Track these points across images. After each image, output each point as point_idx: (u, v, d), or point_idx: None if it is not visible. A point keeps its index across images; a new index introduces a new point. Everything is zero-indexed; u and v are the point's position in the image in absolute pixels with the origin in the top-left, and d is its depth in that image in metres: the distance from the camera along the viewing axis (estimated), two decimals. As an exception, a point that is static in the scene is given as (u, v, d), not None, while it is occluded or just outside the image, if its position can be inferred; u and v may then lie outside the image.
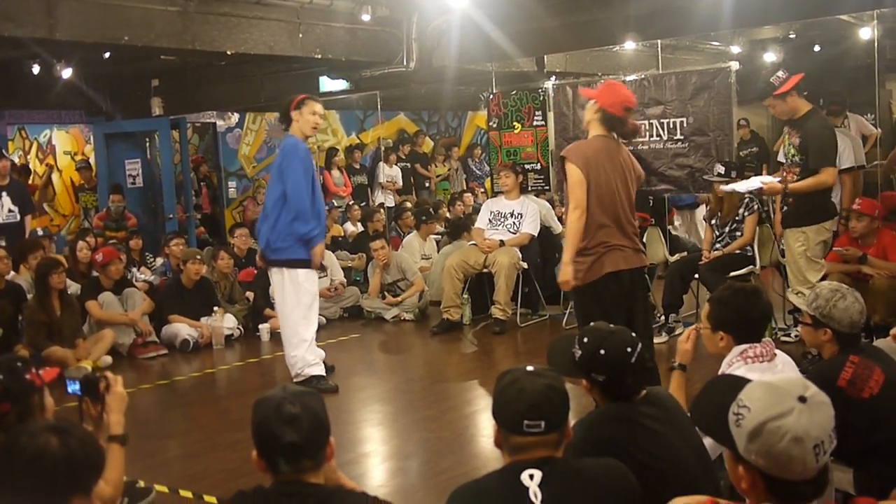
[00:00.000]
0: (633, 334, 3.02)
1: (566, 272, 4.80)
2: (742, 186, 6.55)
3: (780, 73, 6.03)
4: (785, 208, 6.21)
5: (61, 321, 7.50)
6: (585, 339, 2.97)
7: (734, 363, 3.36)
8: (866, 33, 10.37)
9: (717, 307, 3.47)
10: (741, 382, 2.23)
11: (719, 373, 3.30)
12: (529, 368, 2.51)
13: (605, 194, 4.79)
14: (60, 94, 11.22)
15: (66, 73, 10.15)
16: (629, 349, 2.93)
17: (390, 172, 14.46)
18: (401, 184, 14.58)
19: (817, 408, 1.97)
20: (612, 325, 3.05)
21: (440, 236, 10.53)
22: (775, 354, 3.40)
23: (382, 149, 14.99)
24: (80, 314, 7.82)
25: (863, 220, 6.61)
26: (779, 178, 6.28)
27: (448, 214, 12.05)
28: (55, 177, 13.52)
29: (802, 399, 1.96)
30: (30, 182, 12.21)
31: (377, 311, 9.22)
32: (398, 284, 9.34)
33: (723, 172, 7.42)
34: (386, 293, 9.31)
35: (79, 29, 7.78)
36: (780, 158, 7.62)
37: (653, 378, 4.83)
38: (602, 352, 2.91)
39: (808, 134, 5.99)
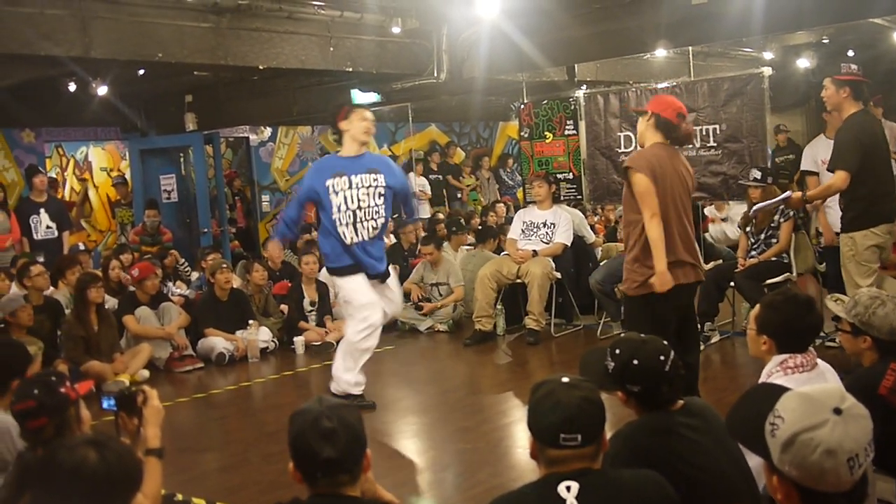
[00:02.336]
0: (666, 342, 2.99)
1: (665, 280, 4.72)
2: (768, 204, 6.57)
3: (853, 66, 6.00)
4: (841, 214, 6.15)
5: (99, 335, 7.58)
6: (617, 351, 2.94)
7: (774, 373, 3.31)
8: (901, 36, 10.26)
9: (766, 311, 3.40)
10: (779, 391, 2.20)
11: (759, 382, 3.25)
12: (565, 380, 2.48)
13: (668, 202, 4.79)
14: (96, 111, 11.37)
15: (102, 90, 10.28)
16: (662, 357, 2.89)
17: (420, 182, 14.50)
18: (429, 193, 14.59)
19: (853, 420, 1.93)
20: (643, 335, 3.02)
21: (472, 247, 10.53)
22: (816, 364, 3.35)
23: (413, 160, 15.03)
24: (117, 328, 7.89)
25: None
26: None
27: (480, 226, 12.04)
28: (92, 193, 13.69)
29: (838, 411, 1.93)
30: (60, 195, 12.36)
31: (411, 322, 9.22)
32: (440, 287, 9.34)
33: (759, 178, 7.37)
34: (424, 293, 9.34)
35: (113, 47, 7.88)
36: (805, 167, 7.54)
37: (692, 387, 4.83)
38: (635, 362, 2.88)
39: (839, 132, 5.96)
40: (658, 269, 4.71)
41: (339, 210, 6.03)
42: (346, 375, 6.20)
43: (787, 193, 6.39)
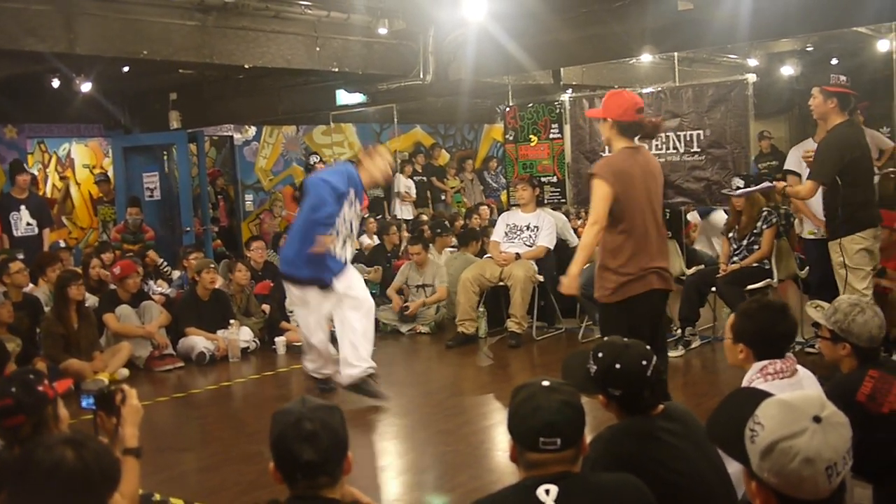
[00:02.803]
0: (648, 347, 3.00)
1: (571, 285, 4.81)
2: (753, 190, 6.58)
3: (842, 77, 6.03)
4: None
5: (79, 333, 7.53)
6: (600, 354, 2.95)
7: (754, 380, 3.33)
8: (884, 45, 10.34)
9: (741, 319, 3.42)
10: (760, 396, 2.21)
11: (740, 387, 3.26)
12: (545, 383, 2.49)
13: (636, 211, 4.77)
14: (79, 107, 11.30)
15: (86, 87, 10.22)
16: (644, 362, 2.90)
17: (407, 183, 14.49)
18: (414, 195, 14.60)
19: (832, 428, 1.94)
20: (626, 339, 3.03)
21: (455, 249, 10.54)
22: (796, 370, 3.37)
23: (399, 161, 15.03)
24: (97, 327, 7.85)
25: (882, 233, 6.56)
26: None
27: (462, 228, 12.05)
28: (74, 190, 13.61)
29: (817, 419, 1.94)
30: (41, 192, 12.28)
31: (393, 324, 9.21)
32: (426, 288, 9.33)
33: (742, 186, 7.39)
34: (405, 297, 9.35)
35: (98, 43, 7.84)
36: (788, 166, 7.59)
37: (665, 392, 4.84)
38: (618, 366, 2.89)
39: (820, 143, 6.01)
40: (570, 272, 4.83)
41: (341, 219, 6.14)
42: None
43: (772, 184, 6.39)
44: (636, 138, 4.92)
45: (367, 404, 6.46)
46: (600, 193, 4.72)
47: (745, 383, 3.36)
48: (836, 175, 5.80)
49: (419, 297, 9.30)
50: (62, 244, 11.72)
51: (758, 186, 6.54)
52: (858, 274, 5.87)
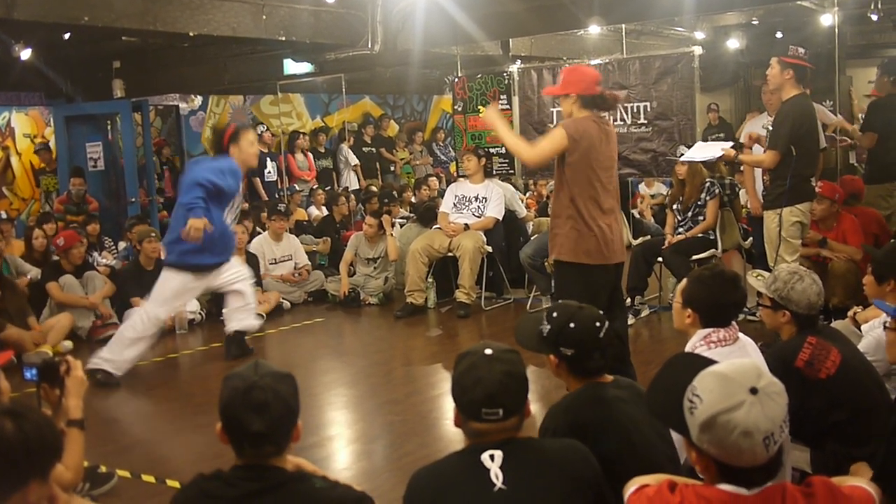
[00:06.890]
0: (601, 312, 3.05)
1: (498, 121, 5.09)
2: (699, 154, 6.59)
3: (800, 49, 6.09)
4: (764, 192, 6.27)
5: (4, 302, 7.33)
6: (555, 314, 3.00)
7: (697, 346, 3.38)
8: (827, 19, 10.47)
9: (693, 285, 3.47)
10: (696, 364, 2.25)
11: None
12: (487, 351, 2.50)
13: (601, 170, 4.86)
14: (19, 75, 11.00)
15: (25, 54, 9.94)
16: (598, 324, 2.96)
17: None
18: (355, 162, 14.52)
19: (769, 399, 1.99)
20: (580, 303, 3.07)
21: (405, 220, 10.52)
22: (738, 338, 3.43)
23: (347, 132, 14.94)
24: (24, 295, 7.64)
25: (823, 204, 6.68)
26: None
27: (413, 198, 12.03)
28: (14, 160, 13.31)
29: (754, 391, 1.98)
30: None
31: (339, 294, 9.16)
32: (375, 261, 9.30)
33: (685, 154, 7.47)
34: (358, 264, 9.34)
35: (38, 9, 7.64)
36: (742, 139, 7.69)
37: (623, 358, 4.93)
38: (572, 325, 2.94)
39: (778, 114, 6.08)
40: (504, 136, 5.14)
41: (231, 208, 6.70)
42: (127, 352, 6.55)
43: (721, 153, 6.40)
44: (597, 111, 4.97)
45: (314, 375, 6.46)
46: (557, 137, 4.81)
47: (688, 350, 3.42)
48: (791, 145, 5.89)
49: (368, 270, 9.28)
50: (3, 215, 11.46)
51: (711, 155, 6.54)
52: (790, 247, 5.98)
